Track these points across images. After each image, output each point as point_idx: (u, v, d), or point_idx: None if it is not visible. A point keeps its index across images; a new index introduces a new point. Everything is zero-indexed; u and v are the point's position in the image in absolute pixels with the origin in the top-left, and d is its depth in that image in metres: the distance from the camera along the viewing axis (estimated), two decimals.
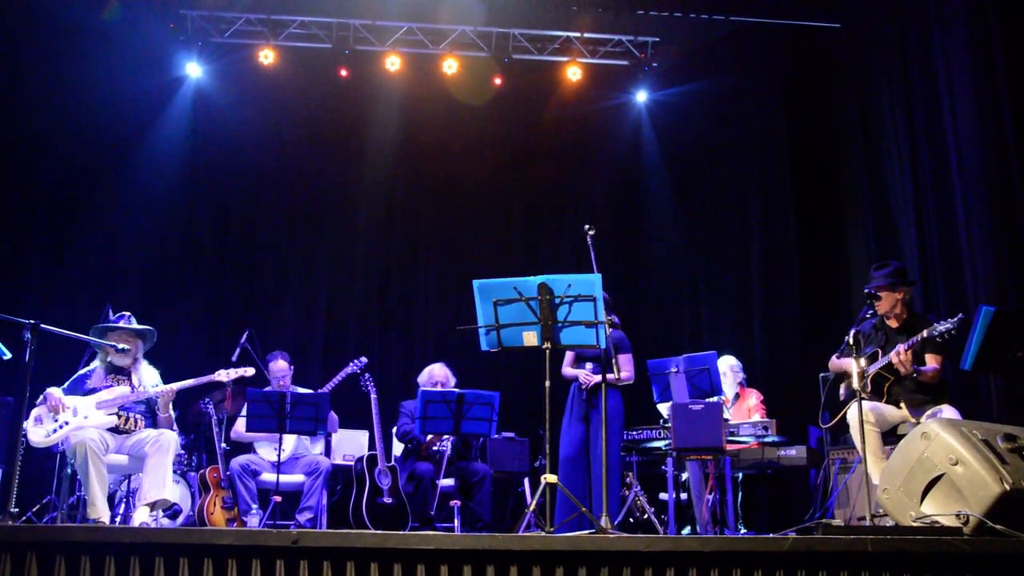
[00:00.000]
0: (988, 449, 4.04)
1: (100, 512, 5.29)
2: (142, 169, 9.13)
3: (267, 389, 7.01)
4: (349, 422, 7.76)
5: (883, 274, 5.66)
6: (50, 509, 6.50)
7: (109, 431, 5.60)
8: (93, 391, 5.68)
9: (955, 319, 5.10)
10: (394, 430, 7.23)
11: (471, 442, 7.19)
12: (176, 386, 5.79)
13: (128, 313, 5.99)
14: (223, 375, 5.98)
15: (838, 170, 9.06)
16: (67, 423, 5.50)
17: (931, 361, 5.47)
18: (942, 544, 3.53)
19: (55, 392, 5.58)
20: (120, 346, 5.72)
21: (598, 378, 6.31)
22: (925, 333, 5.27)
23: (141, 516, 5.36)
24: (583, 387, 6.55)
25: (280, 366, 7.29)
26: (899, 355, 5.35)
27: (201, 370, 5.96)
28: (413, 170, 9.78)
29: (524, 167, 9.86)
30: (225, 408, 6.99)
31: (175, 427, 5.90)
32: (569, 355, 6.83)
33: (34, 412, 5.53)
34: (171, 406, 5.84)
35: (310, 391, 7.05)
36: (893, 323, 5.72)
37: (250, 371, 6.16)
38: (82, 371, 5.90)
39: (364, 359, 7.31)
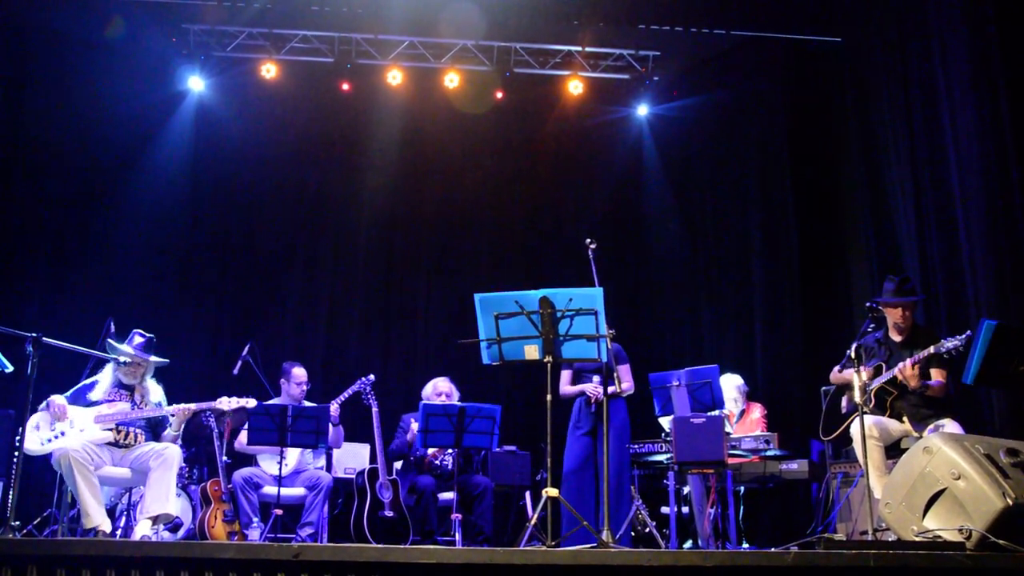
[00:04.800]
0: (990, 463, 4.03)
1: (96, 520, 5.26)
2: (144, 183, 9.15)
3: (272, 402, 7.00)
4: (350, 435, 7.75)
5: (894, 287, 5.67)
6: (51, 522, 6.48)
7: (108, 445, 5.60)
8: (95, 404, 5.68)
9: (963, 336, 5.10)
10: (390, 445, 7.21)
11: (472, 456, 7.18)
12: (183, 407, 5.77)
13: (151, 336, 5.97)
14: (224, 403, 5.94)
15: (839, 184, 9.07)
16: (63, 434, 5.50)
17: (937, 375, 5.48)
18: (944, 559, 3.52)
19: (58, 400, 5.57)
20: (122, 359, 5.73)
21: (609, 390, 6.30)
22: (932, 349, 5.28)
23: (143, 529, 5.34)
24: (593, 400, 6.53)
25: (302, 373, 7.27)
26: (904, 370, 5.35)
27: (202, 383, 5.94)
28: (414, 183, 9.79)
29: (526, 181, 9.88)
30: (226, 422, 6.98)
31: (178, 440, 5.90)
32: (566, 374, 6.83)
33: (34, 418, 5.50)
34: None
35: (315, 405, 7.04)
36: (897, 336, 5.72)
37: (251, 402, 6.11)
38: (87, 381, 5.90)
39: (372, 376, 7.18)
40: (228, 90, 9.55)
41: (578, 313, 4.67)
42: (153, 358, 5.89)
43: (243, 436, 7.03)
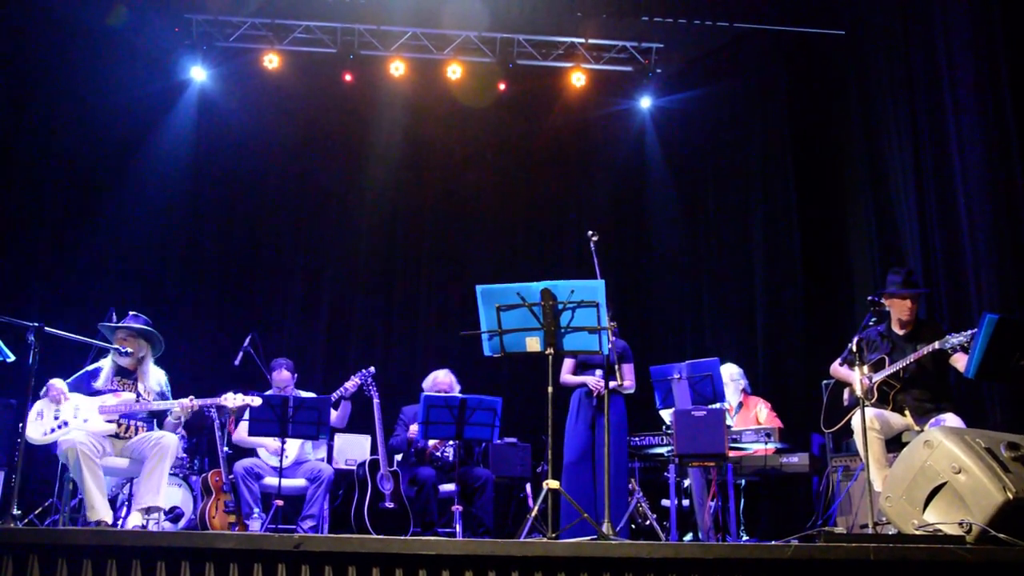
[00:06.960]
0: (991, 457, 4.03)
1: (100, 513, 5.25)
2: (146, 172, 9.15)
3: (269, 393, 7.01)
4: (351, 427, 7.76)
5: (901, 280, 5.65)
6: (52, 512, 6.49)
7: (109, 436, 5.60)
8: (99, 393, 5.67)
9: (968, 332, 5.10)
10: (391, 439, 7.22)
11: (473, 447, 7.18)
12: (187, 404, 5.77)
13: (139, 315, 5.96)
14: (229, 400, 5.93)
15: (841, 176, 9.05)
16: (66, 423, 5.49)
17: (959, 360, 5.44)
18: (945, 552, 3.52)
19: (58, 383, 5.55)
20: (124, 348, 5.72)
21: (610, 384, 6.30)
22: (937, 344, 5.27)
23: (134, 520, 5.33)
24: (594, 393, 6.53)
25: (283, 376, 7.27)
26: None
27: (203, 373, 5.91)
28: (416, 175, 9.79)
29: (528, 172, 9.87)
30: (229, 416, 6.98)
31: (179, 429, 5.91)
32: (568, 363, 6.82)
33: (36, 406, 5.49)
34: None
35: (313, 395, 7.04)
36: (900, 330, 5.71)
37: (256, 400, 6.11)
38: (89, 367, 5.89)
39: (372, 369, 7.15)
40: (230, 80, 9.55)
41: (580, 305, 4.66)
42: (142, 334, 5.86)
43: (243, 428, 7.05)
